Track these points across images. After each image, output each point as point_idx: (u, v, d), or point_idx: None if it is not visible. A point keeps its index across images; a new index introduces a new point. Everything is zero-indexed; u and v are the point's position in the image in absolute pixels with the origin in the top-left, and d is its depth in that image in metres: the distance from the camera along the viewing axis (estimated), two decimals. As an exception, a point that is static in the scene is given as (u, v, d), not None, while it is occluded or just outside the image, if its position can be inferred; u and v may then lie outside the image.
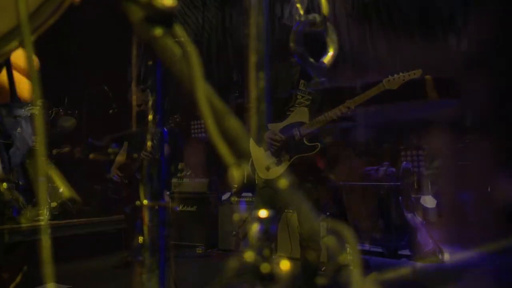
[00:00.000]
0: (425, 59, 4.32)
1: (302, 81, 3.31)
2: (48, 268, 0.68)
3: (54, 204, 4.20)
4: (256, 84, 0.83)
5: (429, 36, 4.44)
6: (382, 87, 3.06)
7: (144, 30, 0.78)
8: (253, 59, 0.83)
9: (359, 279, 0.70)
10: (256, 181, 3.25)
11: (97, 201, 5.67)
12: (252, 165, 3.23)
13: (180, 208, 5.41)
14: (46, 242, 0.68)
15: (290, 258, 3.74)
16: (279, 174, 3.31)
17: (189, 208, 5.43)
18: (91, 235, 4.89)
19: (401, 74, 3.02)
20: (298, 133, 3.12)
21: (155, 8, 0.77)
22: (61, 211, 3.64)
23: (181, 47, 0.79)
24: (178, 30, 0.79)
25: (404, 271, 0.77)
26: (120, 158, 4.51)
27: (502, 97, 4.46)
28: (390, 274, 0.75)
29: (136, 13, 0.77)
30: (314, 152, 3.13)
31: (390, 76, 3.05)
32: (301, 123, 3.19)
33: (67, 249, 4.14)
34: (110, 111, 5.36)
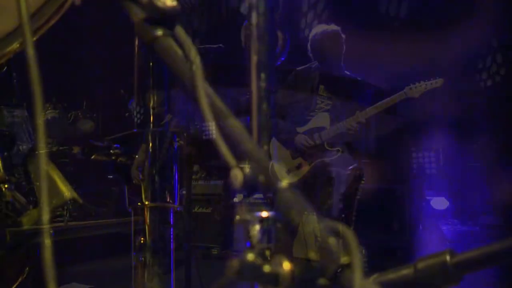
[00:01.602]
0: (432, 58, 4.25)
1: (321, 86, 3.29)
2: (50, 271, 0.68)
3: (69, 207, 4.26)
4: (257, 84, 0.83)
5: (436, 35, 4.38)
6: (403, 96, 2.99)
7: (145, 31, 0.78)
8: (254, 59, 0.83)
9: (360, 280, 0.69)
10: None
11: (114, 202, 5.72)
12: (272, 168, 3.21)
13: (195, 209, 5.43)
14: (48, 244, 0.69)
15: (305, 260, 3.74)
16: (298, 178, 3.27)
17: (204, 210, 5.45)
18: (110, 236, 4.94)
19: (422, 82, 2.95)
20: (319, 138, 3.09)
21: (156, 9, 0.77)
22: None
23: (183, 48, 0.79)
24: (180, 30, 0.79)
25: (407, 271, 0.75)
26: (141, 159, 4.49)
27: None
28: (392, 275, 0.73)
29: (137, 14, 0.78)
30: (334, 157, 3.10)
31: (411, 84, 2.99)
32: (322, 128, 3.16)
33: (87, 250, 4.19)
34: (126, 114, 5.41)
